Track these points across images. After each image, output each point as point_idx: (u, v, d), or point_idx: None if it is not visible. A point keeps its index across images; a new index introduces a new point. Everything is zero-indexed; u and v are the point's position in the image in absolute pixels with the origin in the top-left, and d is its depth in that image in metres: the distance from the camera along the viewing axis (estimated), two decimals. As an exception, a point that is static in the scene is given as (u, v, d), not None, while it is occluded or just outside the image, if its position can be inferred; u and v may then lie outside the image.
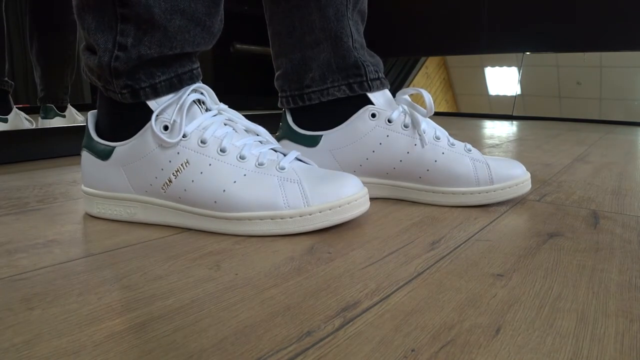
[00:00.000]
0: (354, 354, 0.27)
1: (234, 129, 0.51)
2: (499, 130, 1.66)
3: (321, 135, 0.61)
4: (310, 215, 0.47)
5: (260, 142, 0.52)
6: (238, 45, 2.27)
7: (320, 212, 0.47)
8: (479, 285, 0.36)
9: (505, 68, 2.49)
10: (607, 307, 0.33)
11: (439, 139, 0.59)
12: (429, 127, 0.59)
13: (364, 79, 0.60)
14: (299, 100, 0.63)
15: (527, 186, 0.60)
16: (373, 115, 0.59)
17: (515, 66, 2.47)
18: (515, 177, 0.58)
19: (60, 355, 0.26)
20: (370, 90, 0.60)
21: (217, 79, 2.25)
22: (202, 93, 0.51)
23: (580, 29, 2.33)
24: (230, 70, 2.34)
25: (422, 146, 0.58)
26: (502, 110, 2.45)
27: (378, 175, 0.61)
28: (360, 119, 0.60)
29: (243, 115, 0.54)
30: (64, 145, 1.00)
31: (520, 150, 1.15)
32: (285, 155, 0.51)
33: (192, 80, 0.51)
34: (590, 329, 0.30)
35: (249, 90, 2.38)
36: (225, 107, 0.52)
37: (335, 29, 0.60)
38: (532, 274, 0.38)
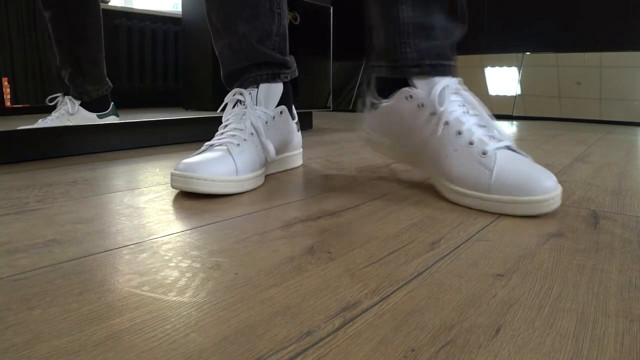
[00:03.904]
0: (354, 354, 0.27)
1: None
2: (499, 130, 1.65)
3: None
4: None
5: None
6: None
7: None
8: (479, 285, 0.36)
9: (505, 68, 2.49)
10: (607, 307, 0.33)
11: (460, 134, 0.60)
12: (464, 126, 0.61)
13: (400, 64, 0.66)
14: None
15: (530, 208, 0.54)
16: (410, 97, 0.66)
17: (515, 66, 2.47)
18: (520, 194, 0.54)
19: (60, 355, 0.26)
20: (407, 75, 0.66)
21: (217, 78, 2.25)
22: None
23: (580, 29, 2.33)
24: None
25: (437, 134, 0.62)
26: (502, 110, 2.45)
27: (414, 151, 0.68)
28: (397, 99, 0.67)
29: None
30: (65, 145, 1.00)
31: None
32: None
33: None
34: (590, 329, 0.30)
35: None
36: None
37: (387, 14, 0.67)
38: (532, 274, 0.38)
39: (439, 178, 0.63)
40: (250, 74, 0.78)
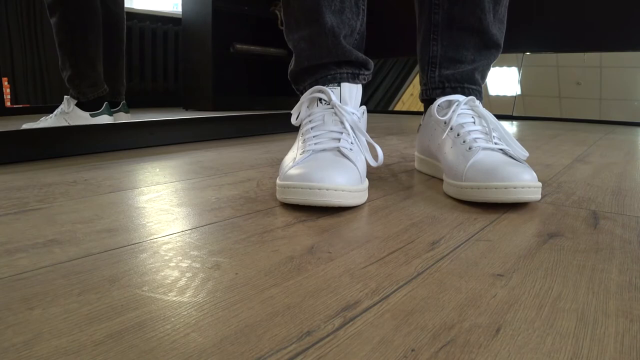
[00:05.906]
0: (354, 353, 0.27)
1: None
2: (499, 131, 1.65)
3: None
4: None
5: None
6: (238, 46, 2.27)
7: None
8: (479, 285, 0.36)
9: (505, 68, 2.49)
10: (607, 307, 0.33)
11: (459, 135, 0.67)
12: (464, 129, 0.67)
13: (428, 86, 0.80)
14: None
15: (501, 193, 0.56)
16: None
17: (515, 66, 2.47)
18: (490, 180, 0.57)
19: (60, 355, 0.26)
20: (432, 95, 0.78)
21: (217, 78, 2.26)
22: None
23: (580, 29, 2.33)
24: (230, 70, 2.34)
25: (442, 136, 0.70)
26: (502, 110, 2.45)
27: (436, 159, 0.75)
28: (427, 115, 0.78)
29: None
30: (65, 145, 1.00)
31: (520, 150, 1.15)
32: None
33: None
34: (590, 329, 0.30)
35: (249, 90, 2.38)
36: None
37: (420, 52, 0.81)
38: (532, 274, 0.38)
39: (443, 174, 0.69)
40: (329, 72, 0.71)
